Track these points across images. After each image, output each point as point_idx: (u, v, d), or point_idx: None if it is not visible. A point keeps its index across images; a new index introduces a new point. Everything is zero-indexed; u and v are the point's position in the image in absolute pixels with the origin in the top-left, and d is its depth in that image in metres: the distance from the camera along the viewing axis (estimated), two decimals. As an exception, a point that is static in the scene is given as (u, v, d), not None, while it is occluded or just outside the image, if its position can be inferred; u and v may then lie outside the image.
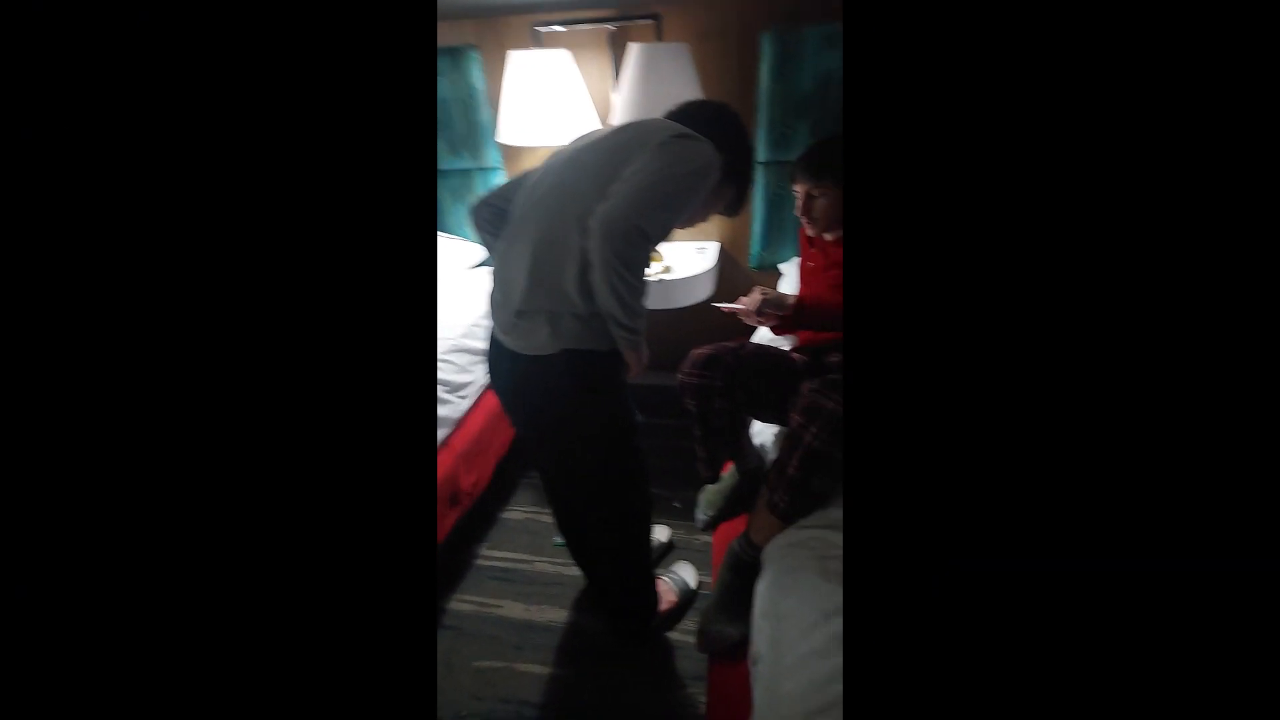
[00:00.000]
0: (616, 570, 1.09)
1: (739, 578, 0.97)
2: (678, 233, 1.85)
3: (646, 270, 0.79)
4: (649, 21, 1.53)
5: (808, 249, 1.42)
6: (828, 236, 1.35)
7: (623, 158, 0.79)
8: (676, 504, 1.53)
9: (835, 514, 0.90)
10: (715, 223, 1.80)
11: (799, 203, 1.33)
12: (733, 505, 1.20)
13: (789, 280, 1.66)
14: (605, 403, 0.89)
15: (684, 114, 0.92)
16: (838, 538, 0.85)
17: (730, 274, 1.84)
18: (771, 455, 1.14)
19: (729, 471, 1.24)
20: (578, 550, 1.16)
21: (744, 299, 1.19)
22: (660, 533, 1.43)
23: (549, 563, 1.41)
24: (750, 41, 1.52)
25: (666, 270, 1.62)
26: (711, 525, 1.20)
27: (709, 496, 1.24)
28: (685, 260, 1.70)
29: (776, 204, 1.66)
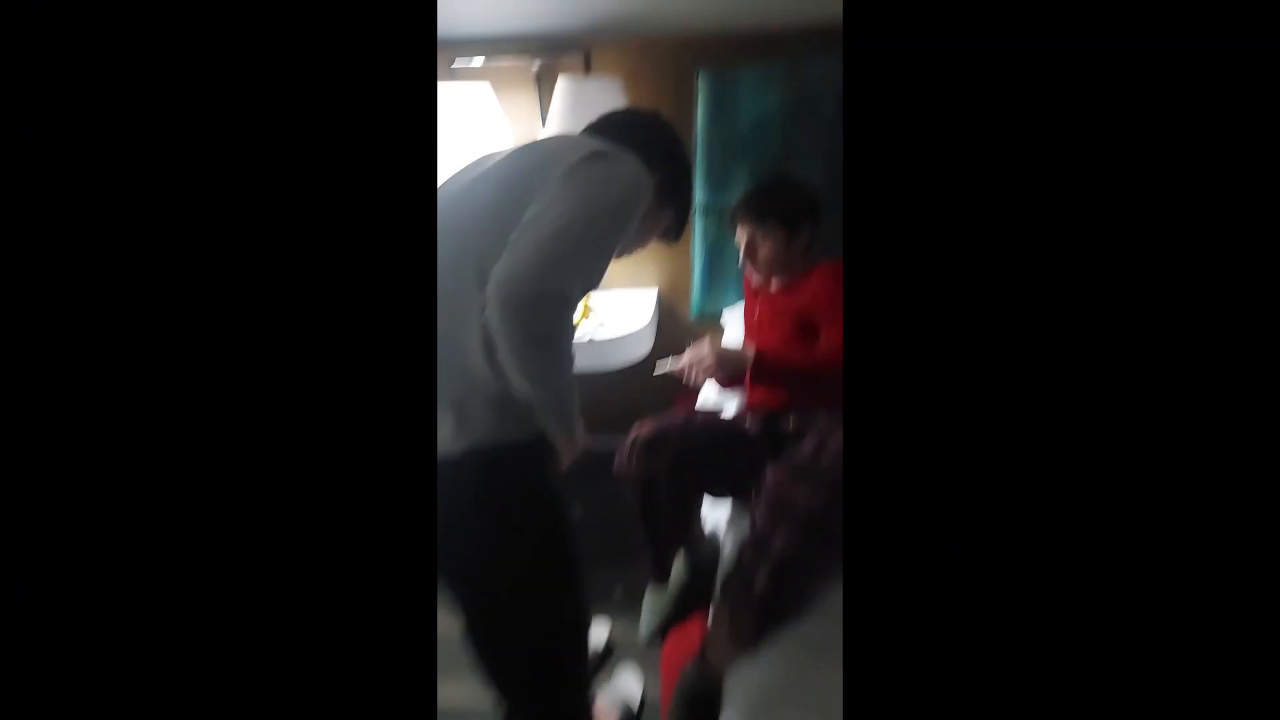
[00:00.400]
0: (542, 696, 0.88)
1: (696, 712, 0.79)
2: (614, 281, 1.73)
3: (572, 337, 0.62)
4: (576, 55, 1.42)
5: (753, 300, 1.31)
6: (773, 286, 1.25)
7: (524, 192, 0.61)
8: (617, 589, 1.33)
9: (813, 633, 0.74)
10: (651, 267, 1.67)
11: (741, 250, 1.22)
12: (682, 605, 1.02)
13: (732, 332, 1.54)
14: (530, 508, 0.69)
15: (606, 126, 0.76)
16: (818, 666, 0.70)
17: (669, 326, 1.71)
18: (726, 543, 0.98)
19: (677, 560, 1.07)
20: (494, 672, 0.94)
21: (690, 351, 1.05)
22: (597, 632, 1.23)
23: (453, 683, 1.16)
24: (685, 81, 1.42)
25: (600, 326, 1.46)
26: (660, 634, 1.02)
27: (654, 602, 1.05)
28: (618, 312, 1.55)
29: (717, 249, 1.55)
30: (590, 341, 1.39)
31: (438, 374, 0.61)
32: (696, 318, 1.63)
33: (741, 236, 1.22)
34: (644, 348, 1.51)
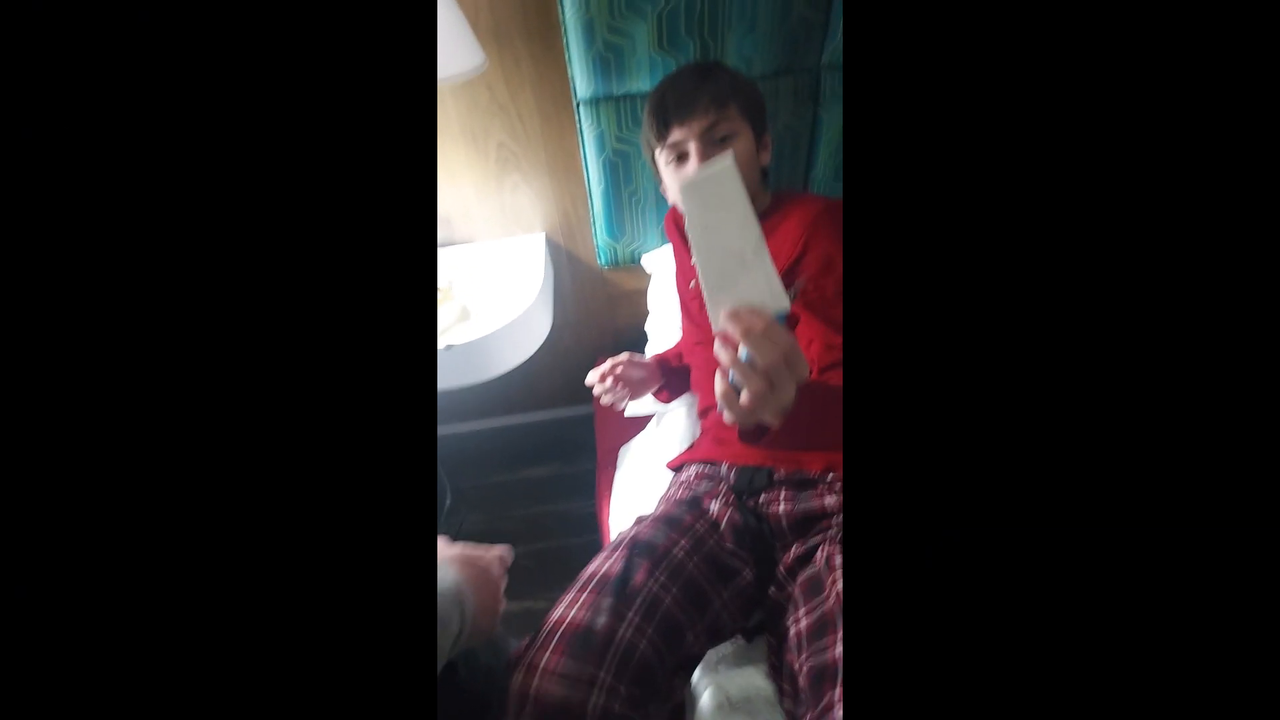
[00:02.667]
0: None
1: None
2: (477, 230, 1.14)
3: None
4: None
5: (686, 260, 0.85)
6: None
7: None
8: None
9: None
10: (530, 198, 1.14)
11: (662, 170, 0.74)
12: None
13: (661, 283, 1.09)
14: None
15: None
16: None
17: (570, 281, 1.22)
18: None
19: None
20: None
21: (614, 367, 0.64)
22: None
23: None
24: None
25: (465, 317, 0.97)
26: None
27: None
28: (491, 283, 1.05)
29: (623, 165, 1.03)
30: (448, 349, 0.91)
31: None
32: (608, 265, 1.15)
33: (663, 154, 0.73)
34: (537, 333, 1.04)
